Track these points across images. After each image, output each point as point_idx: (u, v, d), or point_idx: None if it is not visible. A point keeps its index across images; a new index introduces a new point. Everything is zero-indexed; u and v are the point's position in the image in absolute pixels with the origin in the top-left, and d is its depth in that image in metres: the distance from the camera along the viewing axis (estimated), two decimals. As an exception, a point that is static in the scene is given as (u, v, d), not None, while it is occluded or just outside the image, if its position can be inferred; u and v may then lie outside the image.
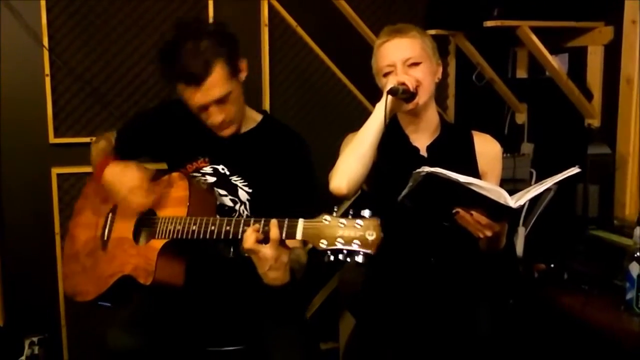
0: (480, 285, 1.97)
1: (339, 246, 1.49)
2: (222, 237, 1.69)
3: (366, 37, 2.92)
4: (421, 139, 2.05)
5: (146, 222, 1.91)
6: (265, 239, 1.61)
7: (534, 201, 1.88)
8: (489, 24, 2.62)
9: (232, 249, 1.95)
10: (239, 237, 1.65)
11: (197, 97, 1.86)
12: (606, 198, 2.60)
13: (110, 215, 2.04)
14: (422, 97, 1.94)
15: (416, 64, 1.94)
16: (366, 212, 1.50)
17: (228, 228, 1.68)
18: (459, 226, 1.80)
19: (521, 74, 3.18)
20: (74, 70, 2.66)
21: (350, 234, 1.48)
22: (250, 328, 1.93)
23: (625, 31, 2.60)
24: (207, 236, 1.71)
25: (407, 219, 1.88)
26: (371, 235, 1.48)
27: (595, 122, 2.76)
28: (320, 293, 3.01)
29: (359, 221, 1.49)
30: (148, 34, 2.72)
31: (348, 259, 1.48)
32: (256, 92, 2.86)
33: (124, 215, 1.97)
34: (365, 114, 1.93)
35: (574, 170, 1.73)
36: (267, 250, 1.60)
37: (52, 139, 2.67)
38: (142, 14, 2.71)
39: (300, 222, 1.57)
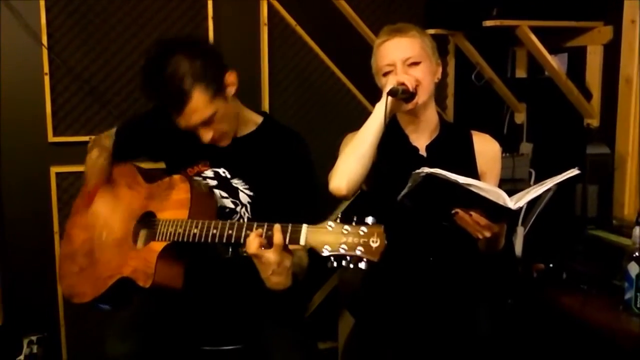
0: (479, 285, 1.97)
1: (342, 252, 1.48)
2: (225, 240, 1.68)
3: (366, 37, 2.92)
4: (420, 139, 2.05)
5: (146, 224, 1.91)
6: (268, 244, 1.61)
7: (533, 201, 1.88)
8: (488, 23, 2.61)
9: (230, 250, 1.95)
10: (242, 241, 1.64)
11: (181, 121, 1.86)
12: (605, 198, 2.60)
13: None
14: (422, 96, 1.94)
15: (416, 64, 1.94)
16: (370, 219, 1.49)
17: (230, 232, 1.67)
18: (458, 226, 1.80)
19: (520, 73, 3.18)
20: (73, 69, 2.66)
21: (354, 241, 1.47)
22: (249, 328, 1.93)
23: (624, 31, 2.60)
24: (209, 240, 1.70)
25: (406, 219, 1.87)
26: (375, 242, 1.47)
27: (594, 122, 2.76)
28: (320, 293, 3.01)
29: (362, 228, 1.48)
30: (147, 32, 2.71)
31: (351, 266, 1.47)
32: (255, 92, 2.85)
33: (123, 216, 1.97)
34: (365, 114, 1.93)
35: (574, 171, 1.73)
36: (270, 255, 1.60)
37: (51, 138, 2.67)
38: (141, 13, 2.70)
39: (304, 228, 1.55)
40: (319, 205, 1.94)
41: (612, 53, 2.66)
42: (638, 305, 2.02)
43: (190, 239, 1.73)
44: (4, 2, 2.56)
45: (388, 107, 1.87)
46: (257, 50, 2.85)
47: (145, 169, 2.10)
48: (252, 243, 1.60)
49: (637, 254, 2.03)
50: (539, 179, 2.87)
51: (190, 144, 1.96)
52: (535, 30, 2.68)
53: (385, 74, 1.96)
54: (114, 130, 2.16)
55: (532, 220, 2.62)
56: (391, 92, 1.86)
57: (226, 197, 1.98)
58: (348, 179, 1.84)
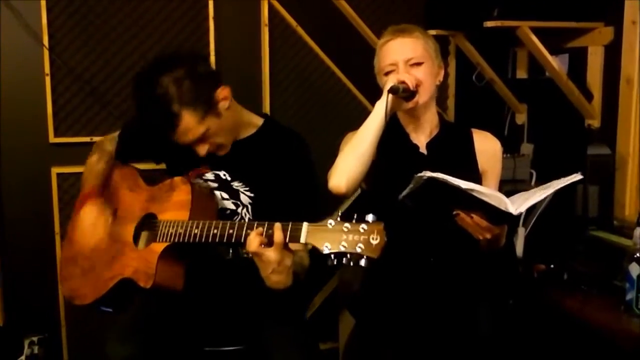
0: (480, 285, 1.97)
1: (343, 250, 1.48)
2: (225, 240, 1.68)
3: (366, 37, 2.92)
4: (421, 137, 2.05)
5: (147, 225, 1.91)
6: (269, 243, 1.61)
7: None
8: (489, 24, 2.61)
9: (231, 250, 1.95)
10: (242, 240, 1.64)
11: (175, 138, 1.88)
12: (606, 198, 2.60)
13: (110, 212, 2.03)
14: (423, 96, 1.95)
15: (418, 64, 1.95)
16: (370, 217, 1.49)
17: (231, 232, 1.67)
18: (459, 227, 1.80)
19: (521, 74, 3.17)
20: (74, 69, 2.66)
21: (354, 238, 1.48)
22: (250, 328, 1.93)
23: (625, 32, 2.60)
24: (210, 240, 1.70)
25: (407, 218, 1.87)
26: (375, 240, 1.47)
27: (595, 122, 2.76)
28: (320, 293, 3.01)
29: (363, 225, 1.48)
30: (148, 33, 2.72)
31: (352, 263, 1.47)
32: (256, 92, 2.86)
33: (124, 219, 1.97)
34: (365, 114, 1.93)
35: (576, 176, 1.73)
36: (270, 254, 1.60)
37: (52, 139, 2.67)
38: (142, 14, 2.71)
39: (304, 226, 1.56)
40: (320, 205, 1.94)
41: (613, 54, 2.66)
42: (639, 306, 2.02)
43: (191, 240, 1.73)
44: (5, 3, 2.56)
45: (388, 104, 1.87)
46: (257, 51, 2.85)
47: (146, 172, 2.10)
48: (253, 241, 1.60)
49: (638, 254, 2.03)
50: (540, 180, 2.89)
51: (190, 148, 1.96)
52: (536, 30, 2.68)
53: (387, 74, 1.96)
54: (116, 134, 2.17)
55: (533, 220, 2.62)
56: (392, 90, 1.86)
57: (227, 199, 1.98)
58: (347, 176, 1.84)
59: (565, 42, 2.86)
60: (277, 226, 1.59)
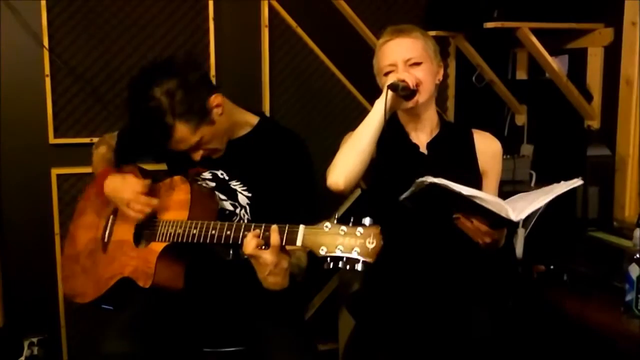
0: (479, 286, 1.97)
1: (339, 253, 1.48)
2: (223, 241, 1.69)
3: (366, 38, 2.92)
4: (421, 137, 2.06)
5: (147, 224, 1.91)
6: (265, 245, 1.61)
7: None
8: (489, 25, 2.61)
9: (231, 251, 1.95)
10: (240, 242, 1.64)
11: (169, 147, 1.89)
12: (606, 199, 2.60)
13: (111, 217, 2.04)
14: (423, 96, 1.95)
15: (417, 64, 1.95)
16: (367, 220, 1.49)
17: (229, 233, 1.68)
18: (459, 230, 1.81)
19: (521, 75, 3.17)
20: (74, 70, 2.66)
21: (351, 242, 1.48)
22: (249, 329, 1.93)
23: (625, 33, 2.60)
24: (208, 240, 1.71)
25: (407, 218, 1.88)
26: (371, 244, 1.47)
27: (594, 123, 2.76)
28: (320, 294, 3.01)
29: (359, 229, 1.48)
30: (148, 34, 2.72)
31: (347, 267, 1.48)
32: (256, 93, 2.86)
33: (125, 218, 1.97)
34: (365, 114, 1.93)
35: (577, 182, 1.74)
36: (267, 256, 1.60)
37: (52, 140, 2.67)
38: (142, 14, 2.70)
39: (301, 229, 1.56)
40: (317, 203, 1.95)
41: (613, 55, 2.66)
42: (638, 307, 2.02)
43: (190, 240, 1.74)
44: (5, 3, 2.56)
45: (388, 102, 1.87)
46: (257, 52, 2.85)
47: (147, 170, 2.10)
48: (250, 244, 1.61)
49: (637, 255, 2.02)
50: (540, 181, 2.89)
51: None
52: (536, 32, 2.68)
53: (387, 74, 1.97)
54: (116, 133, 2.17)
55: (533, 221, 2.62)
56: (391, 87, 1.86)
57: (225, 200, 1.98)
58: (346, 174, 1.84)
59: (565, 43, 2.86)
60: (274, 228, 1.60)
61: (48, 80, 2.62)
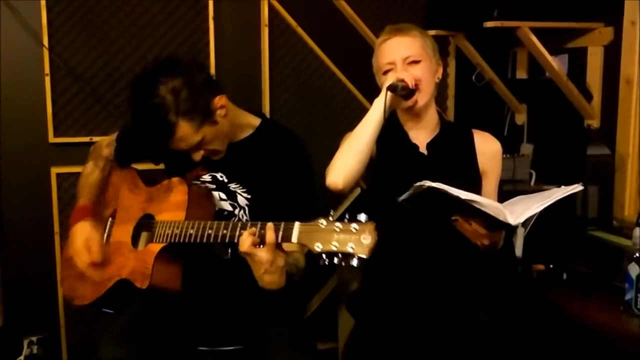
0: (478, 286, 1.97)
1: (334, 250, 1.48)
2: (219, 240, 1.69)
3: (366, 37, 2.92)
4: (420, 136, 2.05)
5: (145, 226, 1.91)
6: (261, 243, 1.61)
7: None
8: (489, 24, 2.61)
9: (229, 251, 1.95)
10: (236, 240, 1.64)
11: (170, 146, 1.88)
12: (605, 199, 2.60)
13: (110, 219, 2.04)
14: (422, 96, 1.95)
15: (416, 62, 1.96)
16: (362, 216, 1.50)
17: (225, 232, 1.68)
18: (457, 231, 1.81)
19: (521, 74, 3.17)
20: (73, 69, 2.66)
21: (345, 238, 1.48)
22: (248, 328, 1.93)
23: (625, 32, 2.60)
24: (205, 240, 1.71)
25: (406, 218, 1.88)
26: (366, 239, 1.47)
27: (594, 123, 2.76)
28: (319, 293, 3.01)
29: (354, 225, 1.48)
30: (148, 33, 2.71)
31: (343, 263, 1.48)
32: (256, 93, 2.86)
33: (123, 219, 1.97)
34: (365, 114, 1.93)
35: (577, 187, 1.74)
36: (262, 254, 1.60)
37: (52, 139, 2.67)
38: (142, 14, 2.70)
39: (296, 226, 1.56)
40: (315, 205, 1.94)
41: (613, 54, 2.66)
42: (638, 306, 2.02)
43: (187, 240, 1.73)
44: (5, 2, 2.56)
45: (387, 102, 1.87)
46: (257, 51, 2.85)
47: (145, 172, 2.10)
48: (245, 242, 1.61)
49: (637, 254, 2.02)
50: (540, 180, 2.89)
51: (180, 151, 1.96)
52: (536, 31, 2.68)
53: (386, 72, 1.97)
54: (113, 136, 2.17)
55: (533, 221, 2.62)
56: (391, 88, 1.87)
57: (224, 200, 1.98)
58: (345, 173, 1.85)
59: (565, 43, 2.86)
60: (269, 226, 1.60)
61: (48, 80, 2.62)
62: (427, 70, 1.97)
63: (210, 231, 1.70)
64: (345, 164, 1.86)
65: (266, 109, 2.86)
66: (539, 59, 2.78)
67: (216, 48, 2.78)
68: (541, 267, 2.43)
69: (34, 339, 2.69)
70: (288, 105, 2.94)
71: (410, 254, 1.99)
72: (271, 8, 2.83)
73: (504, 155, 2.35)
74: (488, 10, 2.62)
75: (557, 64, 2.78)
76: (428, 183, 1.63)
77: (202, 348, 1.98)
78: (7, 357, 2.68)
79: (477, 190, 1.98)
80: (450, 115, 3.12)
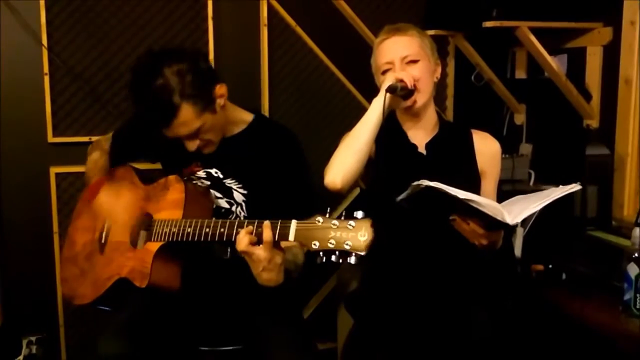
0: (478, 285, 1.97)
1: (331, 247, 1.48)
2: (217, 239, 1.69)
3: (365, 37, 2.92)
4: (419, 136, 2.05)
5: (144, 225, 1.91)
6: (258, 241, 1.61)
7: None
8: (488, 24, 2.61)
9: (229, 250, 1.95)
10: (233, 238, 1.64)
11: (167, 132, 1.87)
12: (604, 199, 2.59)
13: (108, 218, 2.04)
14: (421, 96, 1.95)
15: (414, 62, 1.96)
16: (359, 213, 1.50)
17: (222, 230, 1.68)
18: (456, 231, 1.81)
19: (520, 74, 3.17)
20: (72, 69, 2.66)
21: (342, 235, 1.48)
22: (247, 328, 1.93)
23: (624, 32, 2.60)
24: (202, 238, 1.71)
25: (405, 218, 1.88)
26: (363, 237, 1.47)
27: (593, 122, 2.76)
28: (318, 293, 3.01)
29: (351, 222, 1.48)
30: (147, 33, 2.72)
31: (340, 260, 1.48)
32: (255, 92, 2.86)
33: (122, 219, 1.97)
34: (364, 114, 1.93)
35: (575, 187, 1.74)
36: (260, 252, 1.60)
37: (51, 138, 2.67)
38: (141, 13, 2.70)
39: (293, 224, 1.56)
40: (314, 199, 1.95)
41: (612, 54, 2.66)
42: (637, 306, 2.02)
43: (185, 238, 1.73)
44: (4, 2, 2.56)
45: (386, 102, 1.87)
46: (256, 51, 2.85)
47: (142, 170, 2.11)
48: (242, 240, 1.61)
49: (636, 254, 2.03)
50: (539, 180, 2.89)
51: (183, 146, 1.97)
52: (535, 31, 2.68)
53: (384, 72, 1.97)
54: (111, 134, 2.17)
55: (532, 221, 2.62)
56: (390, 89, 1.87)
57: (221, 198, 1.98)
58: (343, 173, 1.84)
59: (564, 43, 2.87)
60: (266, 224, 1.60)
61: (47, 79, 2.62)
62: (425, 69, 1.97)
63: (207, 229, 1.70)
64: (344, 163, 1.86)
65: (265, 108, 2.86)
66: (538, 59, 2.78)
67: (215, 48, 2.78)
68: (540, 267, 2.43)
69: (33, 338, 2.69)
70: (287, 104, 2.94)
71: (410, 254, 1.99)
72: (270, 8, 2.83)
73: (503, 155, 2.36)
74: (487, 10, 2.62)
75: (556, 64, 2.78)
76: (426, 182, 1.64)
77: (201, 348, 1.98)
78: (6, 357, 2.68)
79: (476, 190, 1.98)
80: (450, 115, 3.12)
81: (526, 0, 2.66)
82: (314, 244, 1.50)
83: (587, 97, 2.76)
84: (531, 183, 2.90)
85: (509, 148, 2.92)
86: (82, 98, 2.69)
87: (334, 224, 1.49)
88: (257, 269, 1.64)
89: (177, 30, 2.75)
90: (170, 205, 1.84)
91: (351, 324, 2.33)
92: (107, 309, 2.01)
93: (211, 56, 2.76)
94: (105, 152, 2.13)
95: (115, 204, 2.02)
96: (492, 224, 1.73)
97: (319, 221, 1.51)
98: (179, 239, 1.74)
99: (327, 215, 1.52)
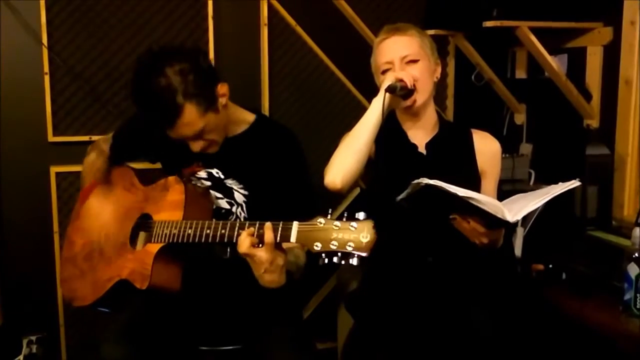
0: (478, 285, 1.97)
1: (333, 249, 1.48)
2: (218, 240, 1.68)
3: (365, 37, 2.92)
4: (419, 136, 2.05)
5: (143, 226, 1.91)
6: (260, 243, 1.61)
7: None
8: (488, 24, 2.61)
9: (229, 250, 1.95)
10: (234, 240, 1.64)
11: (171, 133, 1.86)
12: (604, 199, 2.60)
13: (117, 197, 2.03)
14: (421, 95, 1.95)
15: (414, 61, 1.96)
16: (361, 215, 1.49)
17: (223, 232, 1.67)
18: (456, 230, 1.81)
19: (520, 74, 3.17)
20: (73, 68, 2.65)
21: (344, 237, 1.48)
22: (247, 328, 1.93)
23: (624, 32, 2.60)
24: (203, 240, 1.71)
25: (405, 218, 1.88)
26: (365, 238, 1.47)
27: (594, 122, 2.76)
28: (318, 293, 3.01)
29: (353, 223, 1.48)
30: (147, 32, 2.71)
31: (342, 262, 1.48)
32: (255, 92, 2.85)
33: (120, 219, 1.97)
34: (364, 113, 1.93)
35: (574, 183, 1.74)
36: (262, 254, 1.60)
37: (51, 138, 2.67)
38: (141, 13, 2.70)
39: (295, 225, 1.56)
40: (315, 199, 1.94)
41: (612, 54, 2.66)
42: (637, 306, 2.02)
43: (185, 240, 1.73)
44: (4, 2, 2.56)
45: (385, 102, 1.87)
46: (257, 50, 2.85)
47: (141, 171, 2.10)
48: (244, 242, 1.61)
49: (636, 254, 2.03)
50: (539, 180, 2.89)
51: (184, 146, 1.96)
52: (535, 31, 2.68)
53: (384, 72, 1.97)
54: (111, 134, 2.17)
55: (532, 220, 2.62)
56: (389, 89, 1.87)
57: (221, 198, 1.98)
58: (343, 173, 1.84)
59: (564, 42, 2.86)
60: (268, 226, 1.60)
61: (47, 78, 2.62)
62: (425, 69, 1.97)
63: (208, 231, 1.70)
64: (344, 163, 1.86)
65: (265, 107, 2.86)
66: (538, 58, 2.78)
67: (215, 47, 2.77)
68: (540, 266, 2.43)
69: (33, 338, 2.69)
70: (287, 104, 2.94)
71: (410, 254, 1.99)
72: (270, 7, 2.83)
73: (503, 155, 2.35)
74: (487, 9, 2.62)
75: (556, 64, 2.78)
76: (426, 180, 1.64)
77: (201, 347, 1.98)
78: (6, 357, 2.68)
79: (477, 190, 1.98)
80: (450, 115, 3.12)
81: (526, 0, 2.65)
82: (316, 246, 1.50)
83: (588, 97, 2.76)
84: (531, 183, 2.90)
85: (509, 148, 2.92)
86: (82, 97, 2.69)
87: (336, 225, 1.49)
88: (259, 271, 1.64)
89: (177, 29, 2.74)
90: (170, 207, 1.83)
91: (351, 324, 2.33)
92: (107, 310, 2.00)
93: (211, 55, 2.76)
94: (104, 154, 2.12)
95: (115, 204, 2.02)
96: (492, 222, 1.73)
97: (320, 222, 1.51)
98: (180, 240, 1.74)
99: (329, 217, 1.52)
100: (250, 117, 2.06)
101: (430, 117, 2.06)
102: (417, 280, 1.95)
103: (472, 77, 3.09)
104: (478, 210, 1.68)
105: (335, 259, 1.49)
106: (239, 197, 1.98)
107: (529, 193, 1.81)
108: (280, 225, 1.58)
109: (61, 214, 2.69)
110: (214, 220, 1.74)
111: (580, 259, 2.39)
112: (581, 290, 2.25)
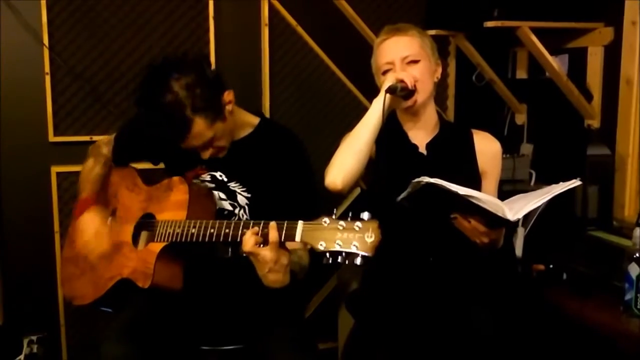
0: (478, 285, 1.97)
1: (338, 248, 1.48)
2: (222, 239, 1.68)
3: (366, 37, 2.92)
4: (420, 137, 2.05)
5: (145, 225, 1.91)
6: (264, 242, 1.61)
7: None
8: (489, 24, 2.61)
9: (230, 249, 1.95)
10: (238, 239, 1.64)
11: (181, 145, 1.87)
12: (605, 199, 2.59)
13: (110, 218, 2.03)
14: (421, 96, 1.95)
15: (414, 62, 1.96)
16: (365, 215, 1.50)
17: (227, 231, 1.67)
18: (457, 230, 1.81)
19: (521, 74, 3.17)
20: (73, 68, 2.66)
21: (349, 236, 1.48)
22: (249, 328, 1.93)
23: (625, 32, 2.60)
24: (207, 239, 1.71)
25: (406, 218, 1.88)
26: (370, 238, 1.47)
27: (594, 123, 2.76)
28: (319, 293, 3.01)
29: (357, 223, 1.49)
30: (148, 32, 2.71)
31: (347, 261, 1.48)
32: (256, 92, 2.86)
33: (123, 219, 1.97)
34: (364, 114, 1.93)
35: (575, 182, 1.74)
36: (266, 253, 1.60)
37: (52, 138, 2.67)
38: (141, 13, 2.70)
39: (300, 224, 1.56)
40: (317, 203, 1.94)
41: (613, 54, 2.66)
42: (638, 306, 2.02)
43: (189, 239, 1.73)
44: (5, 1, 2.56)
45: (386, 103, 1.87)
46: (257, 51, 2.85)
47: (144, 171, 2.10)
48: (248, 241, 1.61)
49: (637, 255, 2.02)
50: (540, 180, 2.89)
51: (187, 149, 1.96)
52: (536, 31, 2.68)
53: (385, 72, 1.97)
54: (112, 136, 2.16)
55: (533, 220, 2.62)
56: (390, 90, 1.87)
57: (224, 199, 1.98)
58: (344, 173, 1.84)
59: (565, 43, 2.86)
60: (272, 225, 1.60)
61: (48, 79, 2.62)
62: (426, 69, 1.97)
63: (212, 230, 1.70)
64: (344, 164, 1.86)
65: (266, 108, 2.86)
66: (539, 59, 2.78)
67: (216, 47, 2.78)
68: (541, 267, 2.43)
69: (34, 338, 2.69)
70: (288, 104, 2.94)
71: (411, 254, 1.99)
72: (271, 7, 2.83)
73: (504, 155, 2.35)
74: (488, 10, 2.62)
75: (557, 64, 2.78)
76: (426, 179, 1.64)
77: (203, 347, 1.98)
78: (7, 356, 2.68)
79: (477, 190, 1.98)
80: (450, 115, 3.12)
81: (527, 0, 2.65)
82: (321, 245, 1.50)
83: (588, 97, 2.76)
84: (532, 183, 2.90)
85: (509, 148, 2.92)
86: (83, 97, 2.69)
87: (340, 225, 1.50)
88: (263, 270, 1.64)
89: (178, 29, 2.74)
90: (173, 206, 1.84)
91: (352, 324, 2.33)
92: (109, 310, 2.01)
93: (212, 56, 2.76)
94: (102, 158, 2.12)
95: (117, 204, 2.02)
96: (493, 221, 1.73)
97: (325, 222, 1.52)
98: (183, 239, 1.74)
99: (334, 216, 1.52)
100: (254, 120, 2.06)
101: (430, 117, 2.06)
102: (417, 280, 1.96)
103: (473, 77, 3.09)
104: (479, 209, 1.68)
105: (339, 259, 1.49)
106: (241, 199, 1.98)
107: (529, 193, 1.81)
108: (285, 224, 1.59)
109: (62, 214, 2.69)
110: (217, 220, 1.74)
111: (581, 259, 2.39)
112: (582, 290, 2.25)
